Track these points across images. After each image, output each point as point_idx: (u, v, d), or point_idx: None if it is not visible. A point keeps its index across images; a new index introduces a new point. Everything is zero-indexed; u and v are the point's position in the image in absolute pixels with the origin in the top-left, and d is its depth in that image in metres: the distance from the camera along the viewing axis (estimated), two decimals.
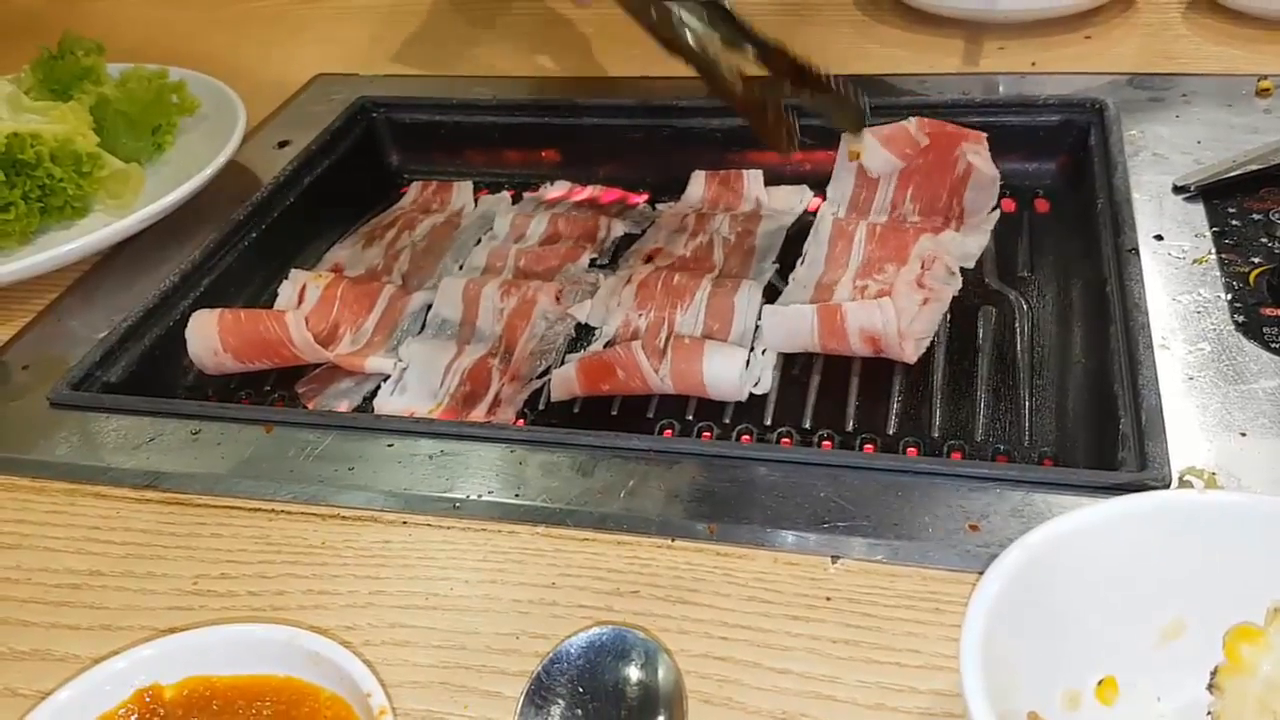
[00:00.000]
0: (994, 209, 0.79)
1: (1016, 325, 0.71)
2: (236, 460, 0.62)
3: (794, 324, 0.67)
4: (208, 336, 0.71)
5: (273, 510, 0.59)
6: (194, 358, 0.73)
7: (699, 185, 0.90)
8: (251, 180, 0.89)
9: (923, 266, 0.71)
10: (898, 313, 0.64)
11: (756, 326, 0.72)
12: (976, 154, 0.79)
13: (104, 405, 0.67)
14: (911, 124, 0.81)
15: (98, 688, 0.45)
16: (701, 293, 0.74)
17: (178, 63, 0.98)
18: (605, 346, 0.74)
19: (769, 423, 0.67)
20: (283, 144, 0.94)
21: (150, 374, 0.73)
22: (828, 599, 0.50)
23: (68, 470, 0.63)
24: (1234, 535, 0.41)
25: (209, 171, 0.83)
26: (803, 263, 0.76)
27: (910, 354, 0.65)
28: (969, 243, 0.76)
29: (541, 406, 0.71)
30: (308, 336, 0.71)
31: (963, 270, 0.75)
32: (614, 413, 0.70)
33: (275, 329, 0.71)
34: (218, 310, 0.73)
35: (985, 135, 0.81)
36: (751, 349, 0.68)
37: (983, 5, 0.94)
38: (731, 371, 0.66)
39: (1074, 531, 0.40)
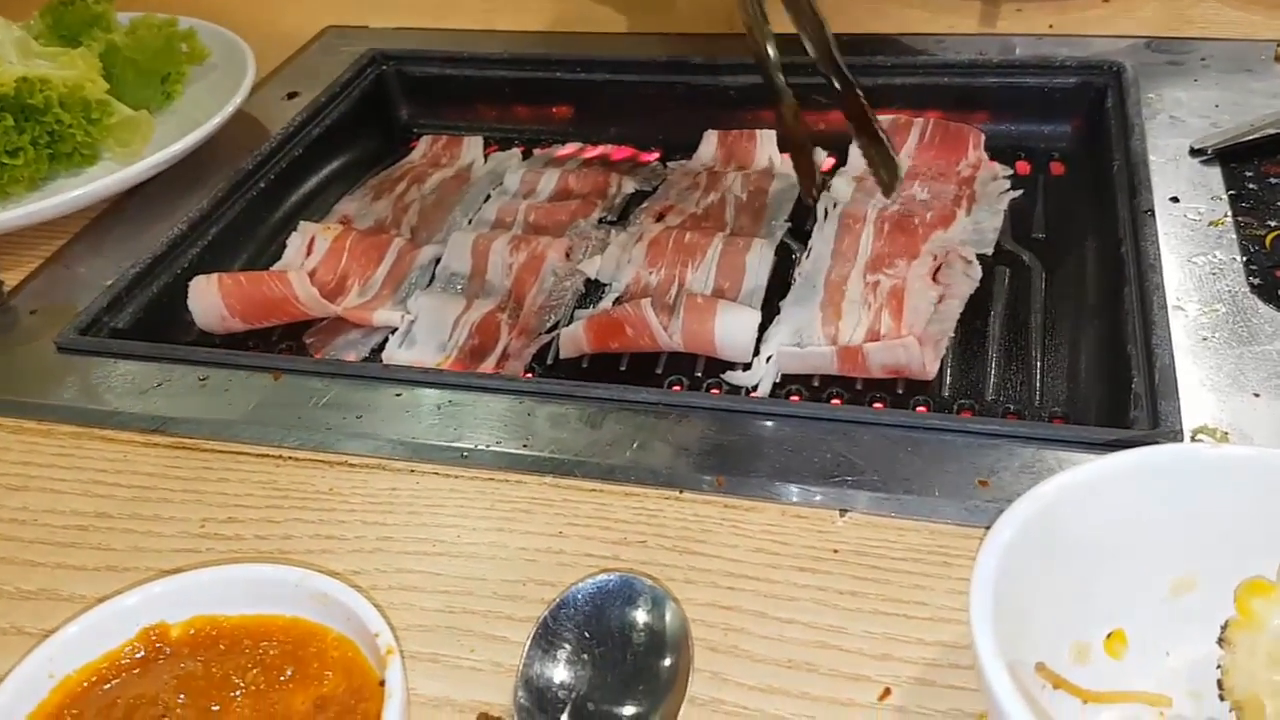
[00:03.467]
0: (1007, 190, 0.78)
1: (1030, 286, 0.71)
2: (244, 407, 0.62)
3: (813, 363, 0.66)
4: (211, 303, 0.71)
5: (280, 456, 0.59)
6: (200, 323, 0.73)
7: (711, 144, 0.89)
8: (260, 131, 0.89)
9: (935, 260, 0.70)
10: (914, 312, 0.63)
11: (766, 335, 0.69)
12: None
13: (111, 350, 0.66)
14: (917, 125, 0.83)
15: (105, 624, 0.45)
16: (713, 250, 0.73)
17: (188, 12, 0.98)
18: (615, 303, 0.74)
19: (778, 380, 0.67)
20: (292, 95, 0.93)
21: (158, 321, 0.72)
22: (835, 551, 0.50)
23: (75, 414, 0.63)
24: (1246, 490, 0.40)
25: (217, 120, 0.82)
26: (808, 256, 0.74)
27: (931, 369, 0.63)
28: (984, 225, 0.75)
29: (550, 361, 0.71)
30: (313, 292, 0.71)
31: None
32: (622, 369, 0.70)
33: (280, 288, 0.71)
34: (215, 275, 0.72)
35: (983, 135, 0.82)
36: (756, 353, 0.67)
37: None
38: (744, 332, 0.65)
39: (1085, 483, 0.40)
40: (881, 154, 0.69)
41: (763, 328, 0.70)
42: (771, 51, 0.71)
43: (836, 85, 0.70)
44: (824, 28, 0.68)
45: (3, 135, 0.78)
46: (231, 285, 0.71)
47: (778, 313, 0.71)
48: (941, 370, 0.65)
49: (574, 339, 0.68)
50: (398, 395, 0.62)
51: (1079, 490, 0.40)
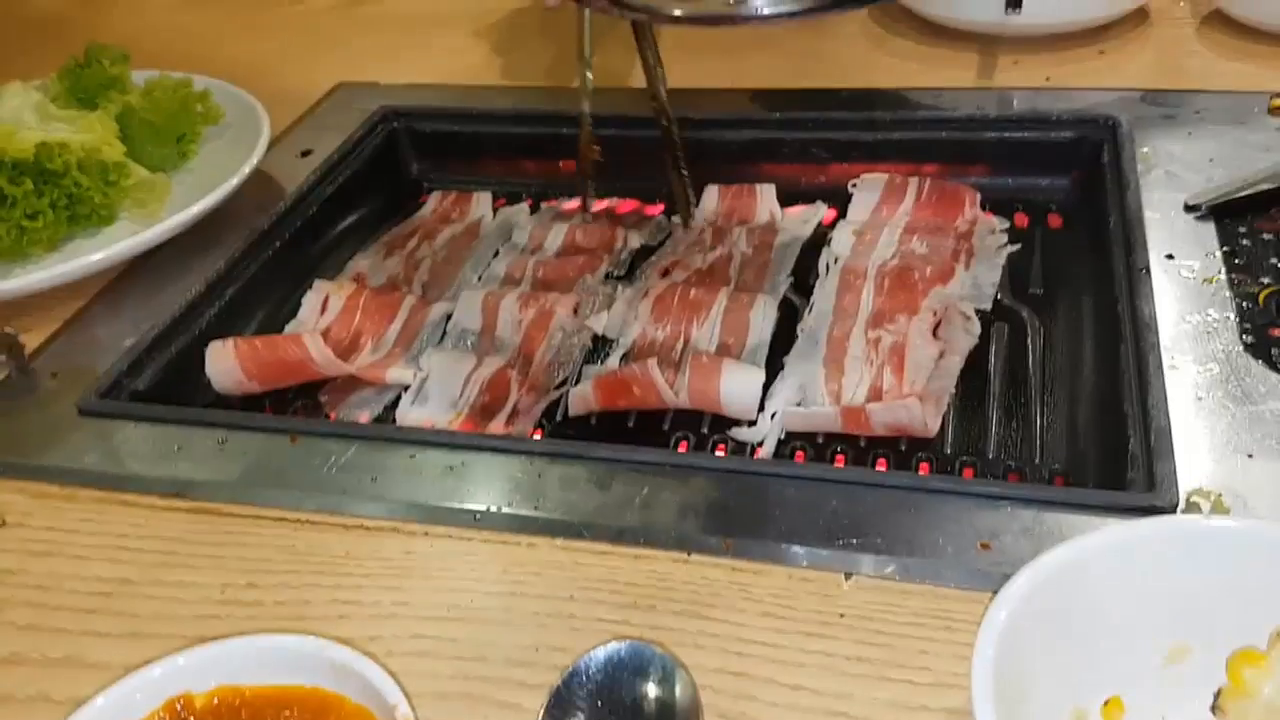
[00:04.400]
0: (1004, 245, 0.80)
1: (1028, 342, 0.72)
2: (262, 470, 0.63)
3: (817, 422, 0.67)
4: (228, 367, 0.73)
5: (298, 520, 0.60)
6: (218, 387, 0.74)
7: (713, 199, 0.91)
8: (275, 189, 0.91)
9: (935, 315, 0.72)
10: (916, 368, 0.65)
11: (773, 384, 0.71)
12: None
13: (132, 414, 0.68)
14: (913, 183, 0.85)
15: (131, 695, 0.46)
16: (717, 307, 0.75)
17: (200, 69, 1.00)
18: (622, 359, 0.75)
19: (782, 437, 0.68)
20: (305, 153, 0.95)
21: (177, 382, 0.74)
22: (841, 615, 0.51)
23: (97, 478, 0.64)
24: (1238, 561, 0.42)
25: (234, 182, 0.84)
26: (810, 311, 0.76)
27: (933, 426, 0.65)
28: (982, 280, 0.76)
29: (559, 418, 0.72)
30: (328, 354, 0.73)
31: None
32: (630, 424, 0.71)
33: (295, 351, 0.72)
34: (230, 340, 0.73)
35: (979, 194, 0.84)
36: (761, 409, 0.68)
37: (996, 19, 0.95)
38: (748, 391, 0.67)
39: (1083, 556, 0.41)
40: (681, 188, 0.86)
41: (767, 383, 0.71)
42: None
43: (664, 121, 0.83)
44: (661, 67, 0.82)
45: (23, 199, 0.80)
46: (248, 350, 0.72)
47: (782, 368, 0.72)
48: (943, 427, 0.67)
49: (583, 398, 0.70)
50: (411, 457, 0.63)
51: (1076, 564, 0.41)
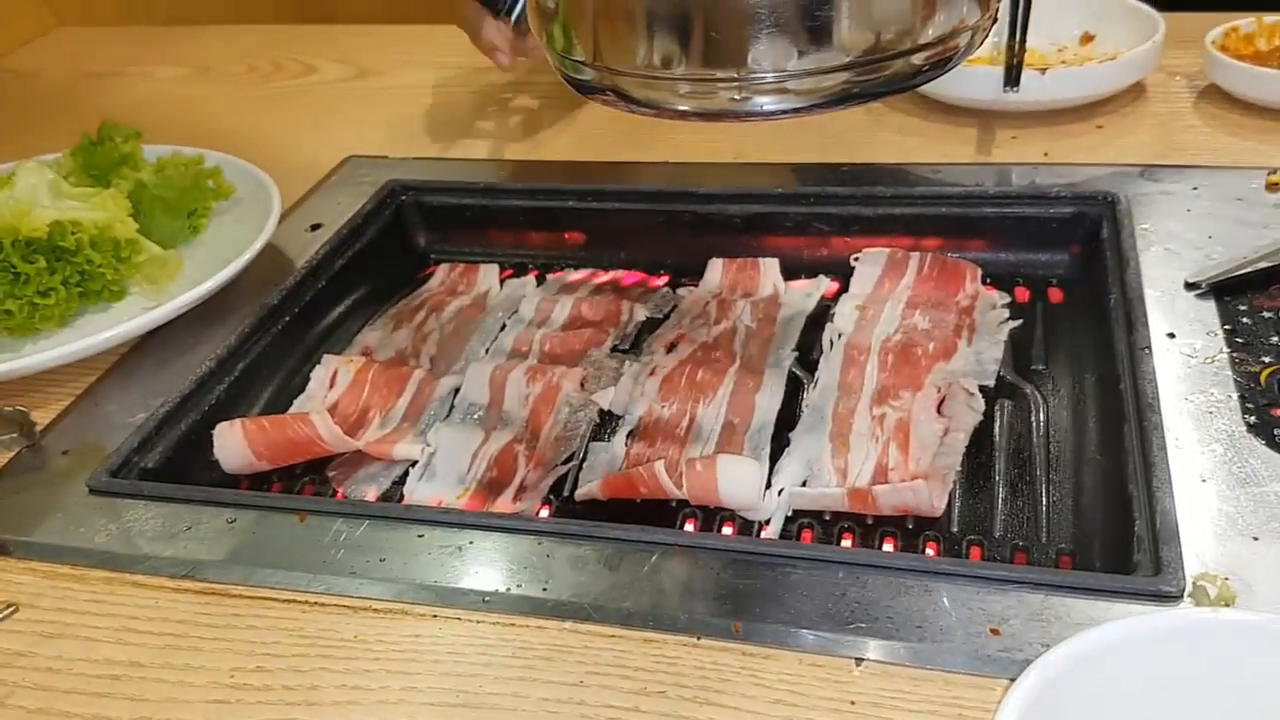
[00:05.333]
0: (1006, 320, 0.81)
1: (1032, 418, 0.73)
2: (271, 550, 0.63)
3: (824, 503, 0.68)
4: (237, 449, 0.73)
5: (306, 602, 0.60)
6: (227, 468, 0.74)
7: (716, 272, 0.92)
8: (284, 262, 0.92)
9: (939, 392, 0.73)
10: (921, 445, 0.65)
11: (776, 458, 0.72)
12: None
13: (142, 493, 0.68)
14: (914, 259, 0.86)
15: None
16: (724, 389, 0.76)
17: (209, 141, 1.02)
18: (628, 436, 0.76)
19: (790, 514, 0.68)
20: (315, 226, 0.96)
21: (187, 459, 0.74)
22: (852, 703, 0.51)
23: (107, 558, 0.64)
24: (1247, 653, 0.42)
25: (246, 258, 0.85)
26: (815, 387, 0.77)
27: (939, 506, 0.65)
28: (984, 356, 0.77)
29: (566, 492, 0.73)
30: (336, 431, 0.73)
31: None
32: (638, 500, 0.72)
33: (304, 430, 0.73)
34: (237, 422, 0.74)
35: (980, 270, 0.85)
36: (769, 485, 0.69)
37: (995, 96, 0.97)
38: (748, 489, 0.66)
39: (1091, 652, 0.41)
40: None
41: (773, 457, 0.72)
42: None
43: None
44: None
45: (35, 277, 0.81)
46: (256, 430, 0.73)
47: (787, 444, 0.73)
48: (950, 505, 0.67)
49: (590, 493, 0.70)
50: (420, 536, 0.63)
51: (1086, 659, 0.41)
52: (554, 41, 0.58)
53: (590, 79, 0.58)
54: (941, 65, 0.55)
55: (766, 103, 0.53)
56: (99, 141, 0.94)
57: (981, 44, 0.57)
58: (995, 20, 0.58)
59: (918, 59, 0.54)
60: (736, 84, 0.54)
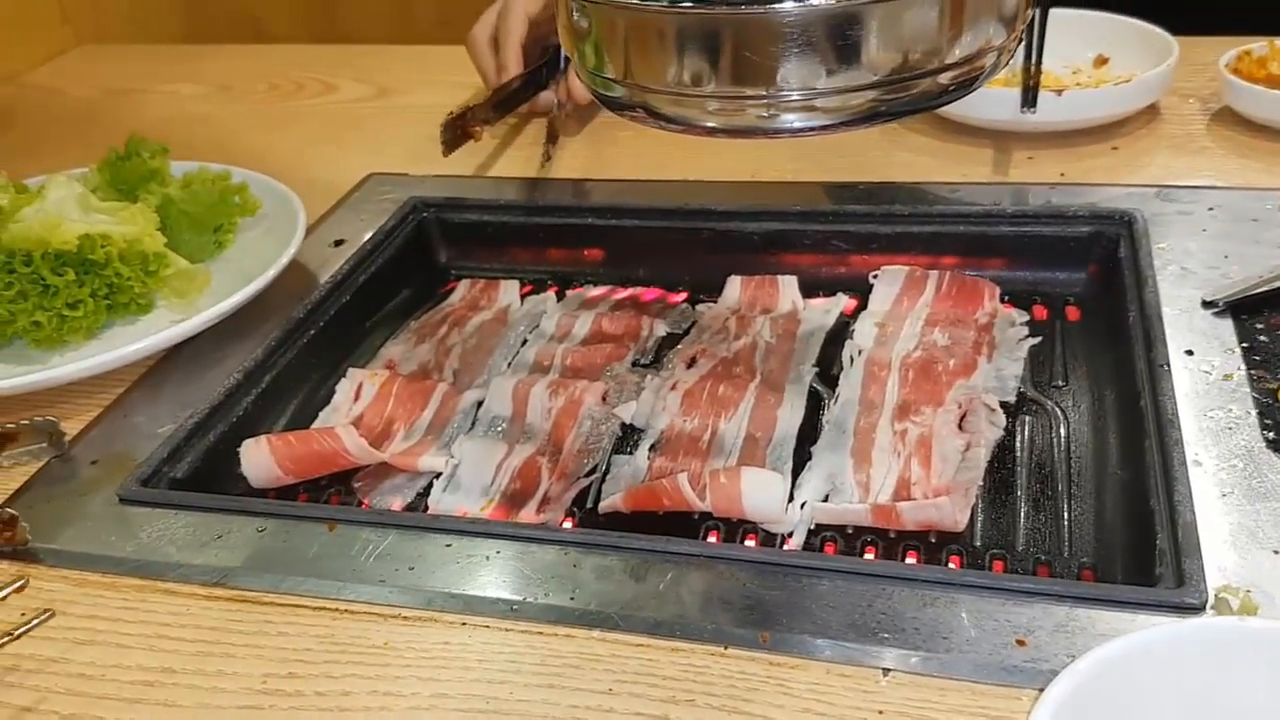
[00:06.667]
0: (1025, 337, 0.82)
1: (1053, 434, 0.73)
2: (301, 558, 0.64)
3: (847, 518, 0.68)
4: (264, 464, 0.74)
5: (337, 610, 0.61)
6: (254, 484, 0.75)
7: (735, 289, 0.93)
8: (308, 277, 0.93)
9: (960, 407, 0.73)
10: (943, 460, 0.66)
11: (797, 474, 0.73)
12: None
13: (172, 502, 0.69)
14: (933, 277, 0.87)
15: None
16: (745, 404, 0.77)
17: (232, 157, 1.03)
18: (650, 449, 0.77)
19: (813, 527, 0.69)
20: (338, 242, 0.98)
21: (216, 469, 0.75)
22: (880, 712, 0.51)
23: (138, 567, 0.65)
24: (1272, 662, 0.42)
25: (271, 273, 0.86)
26: (836, 401, 0.77)
27: (962, 520, 0.65)
28: (1004, 372, 0.78)
29: (589, 504, 0.73)
30: (362, 443, 0.74)
31: None
32: (661, 513, 0.72)
33: (330, 443, 0.73)
34: (263, 438, 0.74)
35: (999, 289, 0.86)
36: (792, 498, 0.69)
37: (1011, 117, 0.98)
38: (772, 501, 0.67)
39: (1123, 657, 0.42)
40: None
41: (795, 472, 0.72)
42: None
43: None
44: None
45: (64, 289, 0.82)
46: (282, 446, 0.73)
47: (809, 458, 0.73)
48: (972, 519, 0.67)
49: (613, 505, 0.71)
50: (448, 545, 0.64)
51: (1116, 665, 0.42)
52: (585, 59, 0.60)
53: (621, 96, 0.59)
54: (967, 85, 0.56)
55: (794, 120, 0.54)
56: (126, 156, 0.96)
57: (1007, 64, 0.59)
58: (1020, 41, 0.59)
59: (944, 79, 0.55)
60: (765, 102, 0.55)
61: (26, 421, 0.75)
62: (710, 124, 0.58)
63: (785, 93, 0.54)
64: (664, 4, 0.53)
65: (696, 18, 0.53)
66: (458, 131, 1.04)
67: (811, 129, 0.55)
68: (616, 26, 0.57)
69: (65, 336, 0.84)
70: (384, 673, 0.57)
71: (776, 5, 0.51)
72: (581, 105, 1.13)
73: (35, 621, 0.60)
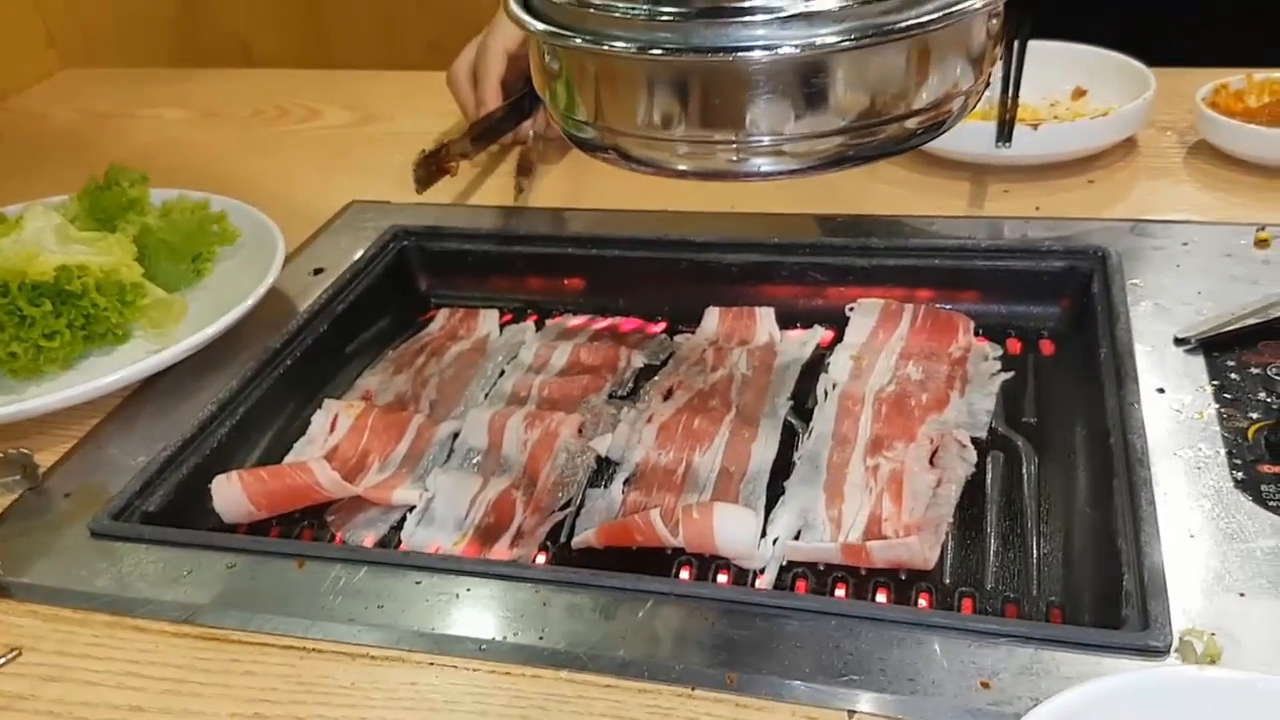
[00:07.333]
0: (997, 372, 0.82)
1: (1023, 471, 0.74)
2: (269, 595, 0.64)
3: (818, 556, 0.68)
4: (235, 500, 0.73)
5: (304, 648, 0.61)
6: (226, 519, 0.74)
7: (713, 320, 0.93)
8: (286, 306, 0.93)
9: (932, 443, 0.74)
10: (914, 496, 0.66)
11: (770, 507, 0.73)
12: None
13: (143, 536, 0.69)
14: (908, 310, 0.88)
15: None
16: (720, 437, 0.77)
17: (214, 184, 1.03)
18: (625, 482, 0.77)
19: (784, 564, 0.69)
20: (317, 271, 0.98)
21: (188, 503, 0.75)
22: None
23: (108, 602, 0.65)
24: (1233, 711, 0.43)
25: (249, 303, 0.86)
26: (809, 436, 0.78)
27: (931, 559, 0.66)
28: (976, 408, 0.78)
29: (563, 539, 0.73)
30: (335, 477, 0.74)
31: None
32: (634, 548, 0.72)
33: (302, 478, 0.73)
34: (234, 474, 0.74)
35: (973, 322, 0.87)
36: (764, 534, 0.69)
37: (987, 150, 0.98)
38: (744, 538, 0.67)
39: (1078, 707, 0.42)
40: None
41: (768, 506, 0.73)
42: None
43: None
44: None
45: (41, 320, 0.82)
46: (253, 482, 0.73)
47: (782, 492, 0.74)
48: (942, 557, 0.68)
49: (586, 541, 0.71)
50: (418, 583, 0.64)
51: (1070, 714, 0.42)
52: (557, 100, 0.60)
53: (592, 137, 0.60)
54: (935, 129, 0.57)
55: (763, 164, 0.55)
56: (106, 186, 0.96)
57: (974, 108, 0.59)
58: (988, 85, 0.60)
59: (912, 123, 0.56)
60: (734, 146, 0.56)
61: (1, 454, 0.75)
62: (681, 166, 0.58)
63: (754, 137, 0.55)
64: (634, 50, 0.53)
65: (665, 64, 0.53)
66: (432, 168, 1.04)
67: (780, 173, 0.56)
68: (587, 70, 0.57)
69: (42, 367, 0.84)
70: (350, 714, 0.57)
71: (744, 53, 0.51)
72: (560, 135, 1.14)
73: (2, 661, 0.60)
